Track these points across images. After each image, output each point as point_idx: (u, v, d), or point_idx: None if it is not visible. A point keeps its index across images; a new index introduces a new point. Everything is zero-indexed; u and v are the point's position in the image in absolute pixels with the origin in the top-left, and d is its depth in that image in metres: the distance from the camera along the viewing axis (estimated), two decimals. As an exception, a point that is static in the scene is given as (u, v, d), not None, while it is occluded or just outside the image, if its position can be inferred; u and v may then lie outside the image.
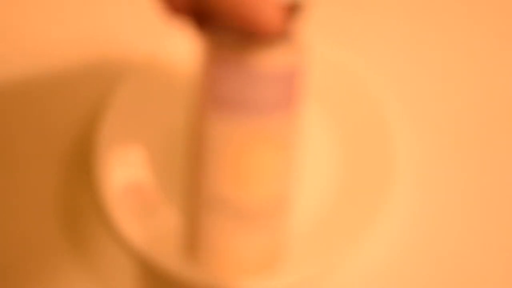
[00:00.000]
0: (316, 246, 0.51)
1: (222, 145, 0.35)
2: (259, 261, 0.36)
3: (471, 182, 0.55)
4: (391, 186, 0.52)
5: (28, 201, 0.54)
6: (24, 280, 0.52)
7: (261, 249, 0.36)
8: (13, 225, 0.53)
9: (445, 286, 0.52)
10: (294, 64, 0.35)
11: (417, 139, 0.56)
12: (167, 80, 0.55)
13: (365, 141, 0.53)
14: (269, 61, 0.34)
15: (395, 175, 0.52)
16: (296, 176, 0.50)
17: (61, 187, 0.54)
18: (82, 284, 0.52)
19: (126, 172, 0.53)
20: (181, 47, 0.55)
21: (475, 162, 0.55)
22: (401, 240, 0.53)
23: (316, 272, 0.50)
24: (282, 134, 0.36)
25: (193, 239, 0.37)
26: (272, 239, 0.37)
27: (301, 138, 0.54)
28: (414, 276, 0.52)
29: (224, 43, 0.35)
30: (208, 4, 0.33)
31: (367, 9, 0.59)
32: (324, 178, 0.54)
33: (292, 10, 0.34)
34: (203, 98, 0.35)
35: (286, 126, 0.36)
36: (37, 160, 0.55)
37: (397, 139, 0.53)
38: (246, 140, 0.35)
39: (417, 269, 0.53)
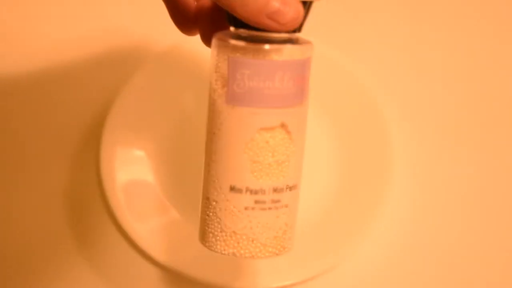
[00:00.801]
0: (316, 246, 0.51)
1: (239, 135, 0.37)
2: (273, 245, 0.38)
3: (469, 181, 0.55)
4: (390, 186, 0.52)
5: (35, 197, 0.54)
6: (31, 277, 0.52)
7: (276, 233, 0.38)
8: (21, 222, 0.54)
9: (444, 285, 0.52)
10: (307, 56, 0.37)
11: (416, 138, 0.56)
12: (176, 76, 0.55)
13: (363, 140, 0.54)
14: (286, 53, 0.36)
15: (393, 174, 0.52)
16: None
17: (69, 185, 0.54)
18: (88, 281, 0.52)
19: (134, 169, 0.53)
20: (192, 41, 0.55)
21: (473, 161, 0.55)
22: (400, 239, 0.53)
23: (316, 272, 0.51)
24: (297, 124, 0.37)
25: (209, 225, 0.38)
26: (286, 225, 0.38)
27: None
28: (414, 275, 0.53)
29: (241, 36, 0.36)
30: (234, 11, 0.34)
31: (366, 9, 0.59)
32: (323, 178, 0.54)
33: (303, 6, 0.36)
34: (219, 90, 0.37)
35: (300, 116, 0.38)
36: (45, 157, 0.55)
37: (395, 138, 0.53)
38: (262, 130, 0.36)
39: (417, 268, 0.53)
